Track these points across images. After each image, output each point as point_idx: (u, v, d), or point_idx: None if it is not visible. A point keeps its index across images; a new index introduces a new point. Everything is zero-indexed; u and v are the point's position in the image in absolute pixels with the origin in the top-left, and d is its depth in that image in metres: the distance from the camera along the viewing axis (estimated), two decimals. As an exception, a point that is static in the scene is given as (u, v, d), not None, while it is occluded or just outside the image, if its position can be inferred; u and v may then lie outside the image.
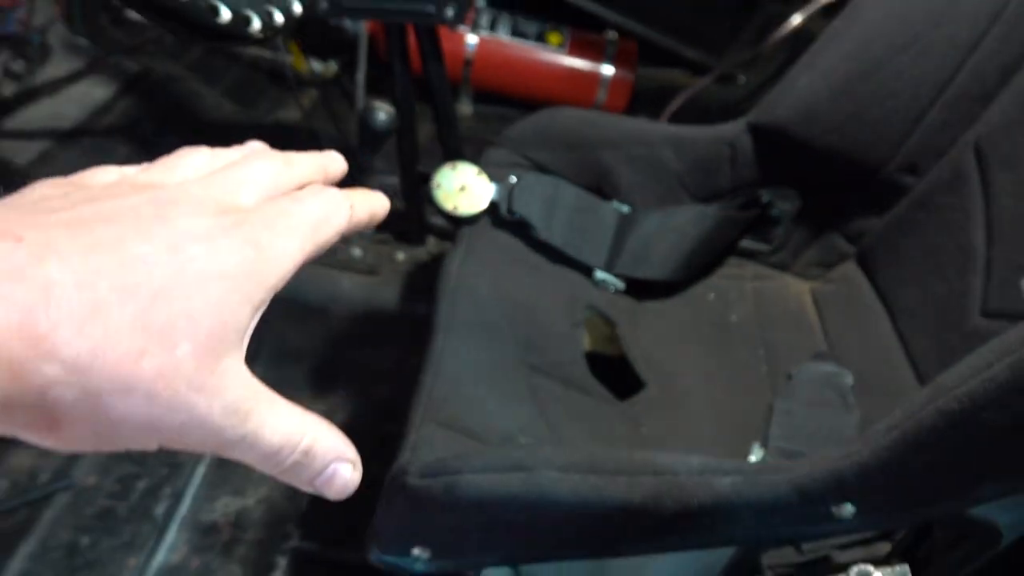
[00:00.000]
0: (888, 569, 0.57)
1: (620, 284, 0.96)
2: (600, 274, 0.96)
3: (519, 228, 0.95)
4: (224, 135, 1.48)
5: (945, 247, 0.83)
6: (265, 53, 1.80)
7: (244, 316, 0.24)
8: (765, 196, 1.00)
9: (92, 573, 1.03)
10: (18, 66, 1.23)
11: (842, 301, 0.97)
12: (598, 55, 1.84)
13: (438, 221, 1.37)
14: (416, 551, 0.59)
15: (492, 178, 0.94)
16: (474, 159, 0.98)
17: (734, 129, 0.96)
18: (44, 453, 1.14)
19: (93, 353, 0.20)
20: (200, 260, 0.23)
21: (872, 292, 0.94)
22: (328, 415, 0.29)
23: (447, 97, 1.22)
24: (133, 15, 1.47)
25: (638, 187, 1.00)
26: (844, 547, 0.60)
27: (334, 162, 0.34)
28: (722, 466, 0.56)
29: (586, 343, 0.91)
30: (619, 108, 1.86)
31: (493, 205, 0.94)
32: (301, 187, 0.30)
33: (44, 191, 0.25)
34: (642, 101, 1.93)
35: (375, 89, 1.85)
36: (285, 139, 1.41)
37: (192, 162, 0.29)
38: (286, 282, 0.26)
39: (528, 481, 0.55)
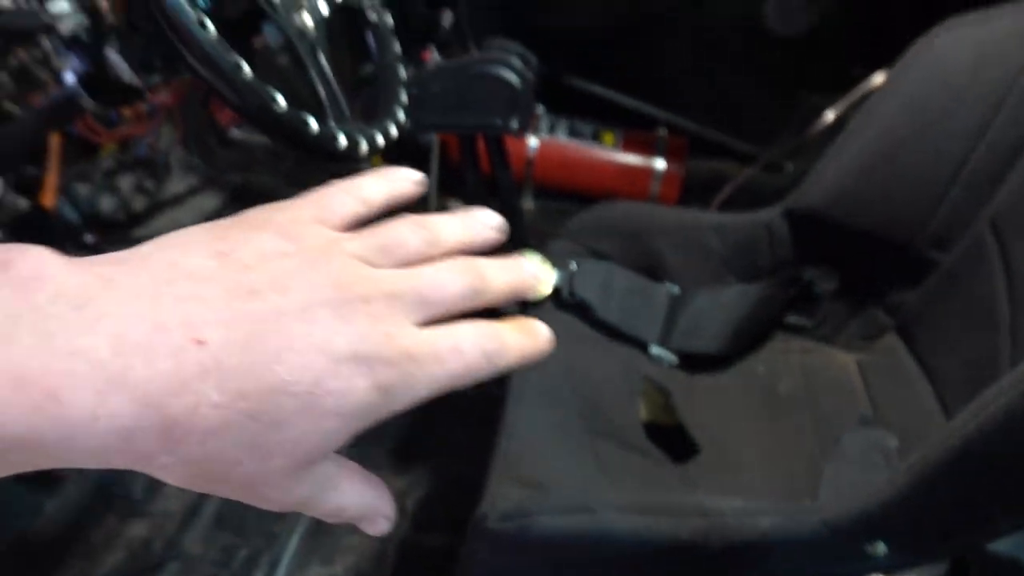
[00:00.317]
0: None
1: (673, 358, 1.06)
2: (655, 349, 1.06)
3: (580, 310, 1.06)
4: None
5: (974, 316, 0.90)
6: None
7: (342, 440, 0.25)
8: (805, 274, 1.09)
9: (200, 634, 1.13)
10: (149, 184, 1.44)
11: (885, 370, 1.04)
12: (650, 151, 1.98)
13: (507, 306, 1.49)
14: (496, 590, 0.68)
15: (555, 266, 1.07)
16: (537, 250, 1.10)
17: (771, 214, 1.06)
18: (158, 525, 1.26)
19: (203, 457, 0.22)
20: (329, 400, 0.23)
21: (912, 360, 1.00)
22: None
23: (513, 195, 1.36)
24: (236, 135, 1.70)
25: (686, 269, 1.11)
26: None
27: (528, 283, 0.34)
28: (763, 507, 0.64)
29: (643, 412, 1.00)
30: (671, 199, 1.98)
31: (556, 290, 1.06)
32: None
33: (198, 261, 0.25)
34: (694, 191, 2.05)
35: (446, 188, 2.02)
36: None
37: (378, 242, 0.29)
38: None
39: (592, 521, 0.64)
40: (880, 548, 0.60)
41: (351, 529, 0.29)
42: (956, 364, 0.93)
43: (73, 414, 0.20)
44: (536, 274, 0.33)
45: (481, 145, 1.31)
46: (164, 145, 1.53)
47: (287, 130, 0.65)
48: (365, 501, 0.28)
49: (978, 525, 0.58)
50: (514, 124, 1.10)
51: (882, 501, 0.59)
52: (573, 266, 1.07)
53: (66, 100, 0.76)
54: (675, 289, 1.10)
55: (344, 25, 0.83)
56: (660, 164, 1.97)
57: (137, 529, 1.26)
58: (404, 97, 0.82)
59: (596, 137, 1.99)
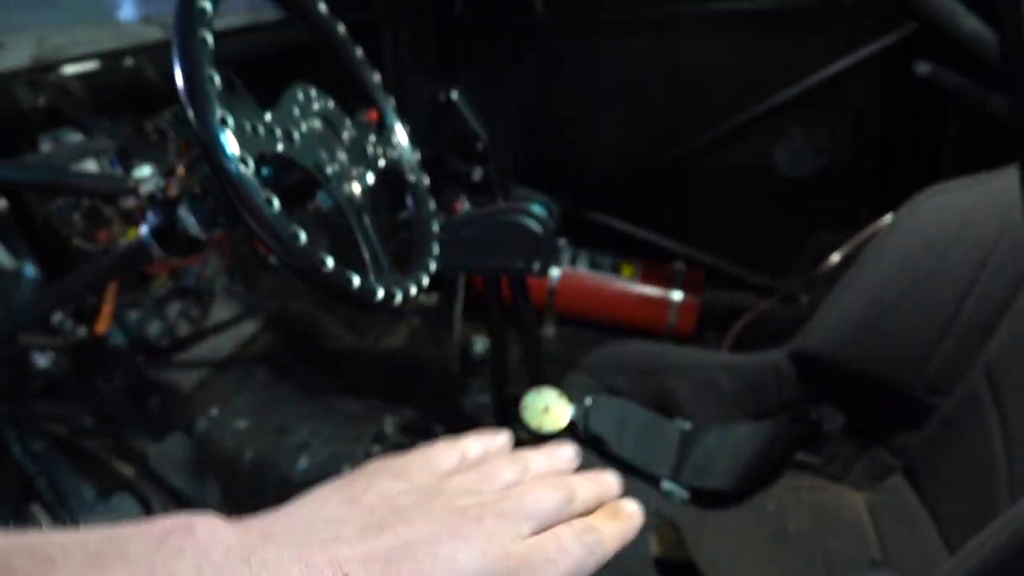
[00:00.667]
0: None
1: (685, 494, 1.09)
2: (667, 484, 1.10)
3: (595, 444, 1.11)
4: (343, 357, 1.75)
5: (973, 462, 0.94)
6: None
7: None
8: (813, 413, 1.13)
9: None
10: (195, 311, 1.55)
11: (893, 511, 1.06)
12: (667, 283, 2.07)
13: (524, 435, 1.54)
14: None
15: (571, 400, 1.13)
16: (556, 378, 1.16)
17: (777, 356, 1.12)
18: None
19: None
20: None
21: (918, 502, 1.03)
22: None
23: (533, 331, 1.44)
24: (275, 262, 1.81)
25: (698, 406, 1.16)
26: None
27: (610, 489, 0.37)
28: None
29: (654, 548, 1.03)
30: (688, 329, 2.05)
31: (572, 424, 1.11)
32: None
33: (332, 509, 0.30)
34: (711, 321, 2.12)
35: (470, 315, 2.11)
36: (392, 361, 1.67)
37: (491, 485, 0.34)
38: None
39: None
40: None
41: None
42: (959, 509, 0.96)
43: None
44: (616, 482, 0.38)
45: (505, 281, 1.40)
46: (210, 273, 1.64)
47: (332, 286, 0.72)
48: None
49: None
50: (536, 267, 1.19)
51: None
52: (588, 401, 1.13)
53: (139, 250, 0.85)
54: (687, 425, 1.15)
55: (385, 183, 0.94)
56: (677, 296, 2.05)
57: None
58: (436, 250, 0.91)
59: (616, 269, 2.09)
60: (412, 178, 0.95)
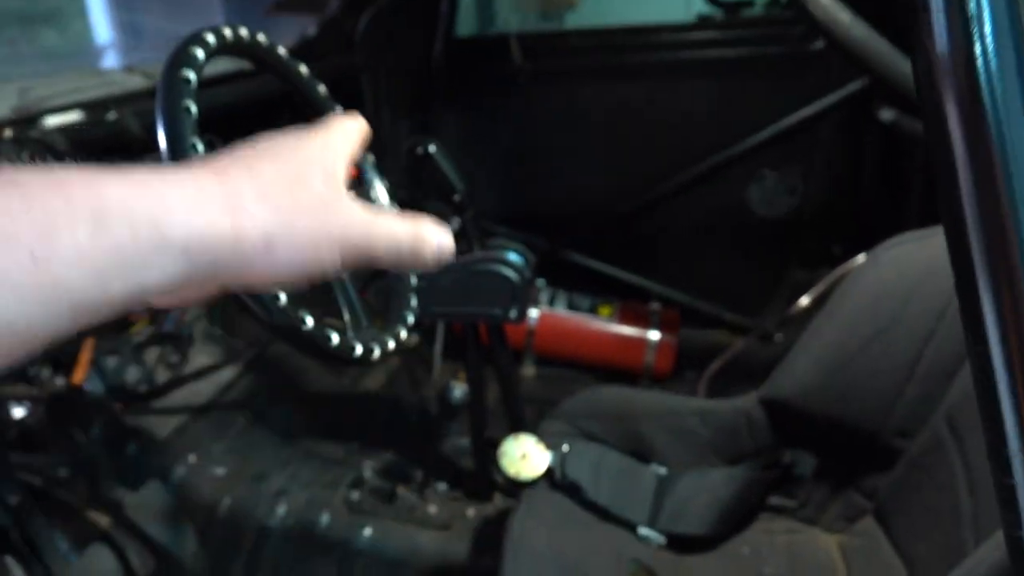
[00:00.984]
0: None
1: (661, 539, 1.10)
2: (643, 530, 1.11)
3: (572, 490, 1.12)
4: (322, 401, 1.75)
5: (940, 505, 0.96)
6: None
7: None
8: (786, 457, 1.15)
9: None
10: (174, 357, 1.55)
11: (865, 554, 1.08)
12: (644, 323, 2.10)
13: (503, 478, 1.55)
14: None
15: (548, 447, 1.14)
16: (536, 418, 1.18)
17: (748, 402, 1.15)
18: None
19: (276, 214, 0.35)
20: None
21: (889, 545, 1.05)
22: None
23: (511, 377, 1.46)
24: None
25: (673, 451, 1.18)
26: None
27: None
28: None
29: (632, 594, 1.04)
30: (666, 369, 2.07)
31: (549, 470, 1.12)
32: None
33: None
34: (688, 359, 2.14)
35: (449, 354, 2.12)
36: (371, 404, 1.67)
37: None
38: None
39: None
40: None
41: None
42: (928, 551, 0.98)
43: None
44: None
45: (483, 327, 1.42)
46: (189, 318, 1.65)
47: (311, 344, 0.74)
48: (416, 223, 0.41)
49: None
50: (513, 314, 1.21)
51: None
52: (565, 447, 1.14)
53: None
54: (662, 471, 1.17)
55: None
56: (654, 335, 2.08)
57: None
58: (414, 302, 0.93)
59: (593, 310, 2.11)
60: (390, 232, 0.96)
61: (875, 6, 1.23)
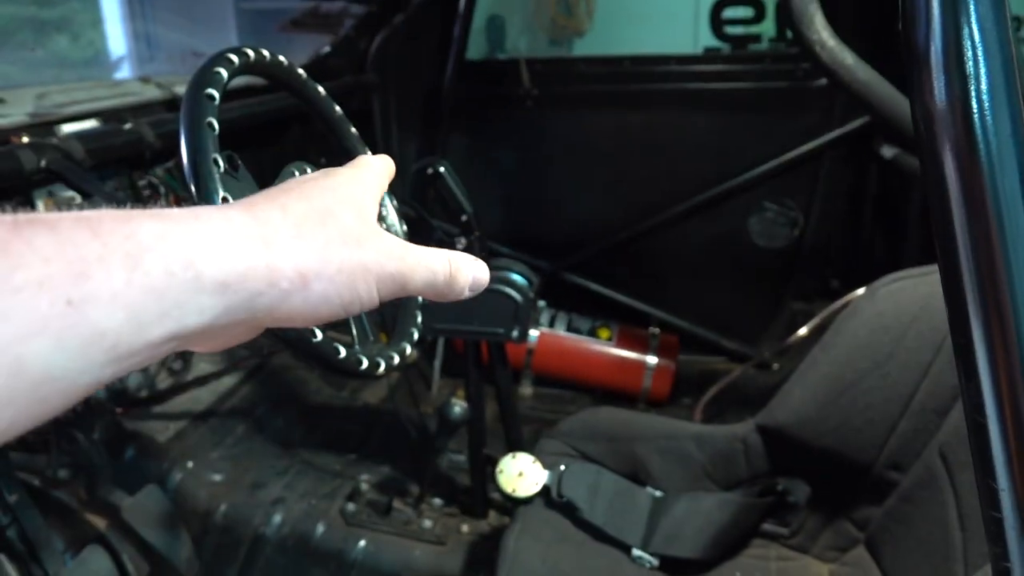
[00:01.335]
0: None
1: (654, 561, 1.11)
2: (637, 552, 1.12)
3: (567, 509, 1.13)
4: (321, 412, 1.76)
5: (931, 537, 0.97)
6: (359, 344, 2.14)
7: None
8: (780, 485, 1.17)
9: None
10: (176, 364, 1.56)
11: (856, 583, 1.09)
12: (643, 347, 2.11)
13: (498, 496, 1.56)
14: None
15: (545, 465, 1.15)
16: (533, 437, 1.19)
17: (745, 428, 1.16)
18: None
19: (311, 249, 0.35)
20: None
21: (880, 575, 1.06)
22: None
23: (510, 396, 1.47)
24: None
25: (668, 475, 1.19)
26: None
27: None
28: None
29: (624, 615, 1.05)
30: (663, 393, 2.09)
31: (546, 489, 1.14)
32: None
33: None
34: (685, 384, 2.16)
35: (448, 372, 2.14)
36: (370, 417, 1.69)
37: None
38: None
39: None
40: None
41: None
42: (918, 584, 0.99)
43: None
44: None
45: (484, 345, 1.44)
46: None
47: (318, 356, 0.76)
48: (449, 254, 0.41)
49: None
50: (515, 334, 1.23)
51: None
52: (562, 467, 1.16)
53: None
54: (657, 493, 1.18)
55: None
56: (652, 360, 2.09)
57: None
58: (420, 318, 0.95)
59: (593, 332, 2.13)
60: (399, 249, 0.98)
61: (878, 49, 1.27)
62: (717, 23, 2.15)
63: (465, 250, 1.38)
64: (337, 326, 0.83)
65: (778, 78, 2.01)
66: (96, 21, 2.39)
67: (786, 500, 1.17)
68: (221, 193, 0.67)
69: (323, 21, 2.06)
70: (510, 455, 1.16)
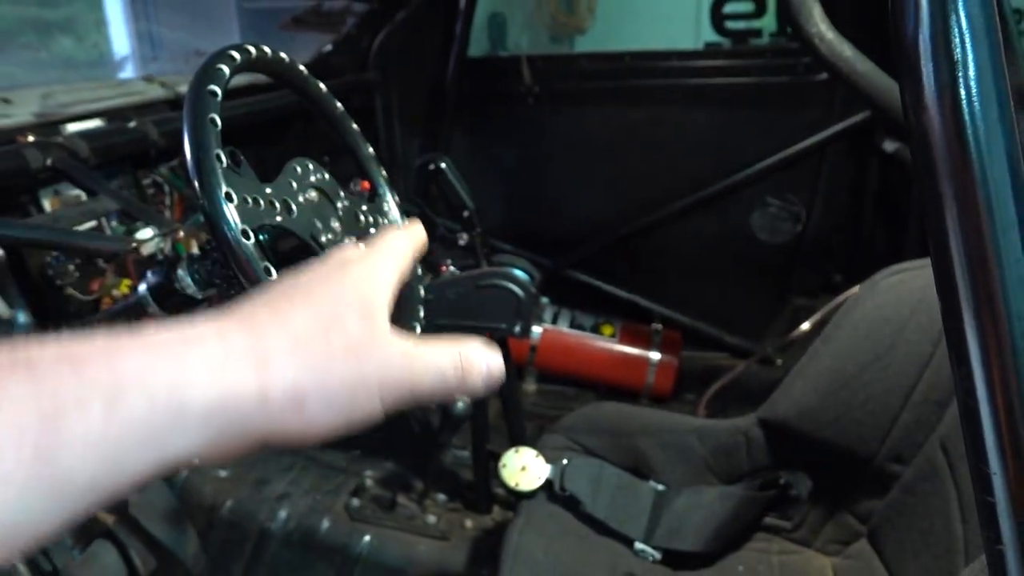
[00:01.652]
0: None
1: (657, 554, 1.12)
2: (639, 545, 1.12)
3: (570, 503, 1.14)
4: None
5: (932, 529, 0.98)
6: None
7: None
8: (783, 478, 1.17)
9: None
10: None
11: (859, 576, 1.09)
12: (646, 343, 2.12)
13: (502, 491, 1.57)
14: None
15: (548, 460, 1.16)
16: (536, 434, 1.19)
17: (747, 422, 1.17)
18: None
19: (308, 366, 0.33)
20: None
21: (883, 569, 1.07)
22: None
23: (514, 392, 1.48)
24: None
25: (670, 469, 1.20)
26: None
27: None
28: None
29: (627, 608, 1.05)
30: (666, 389, 2.09)
31: (548, 483, 1.14)
32: None
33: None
34: (688, 380, 2.16)
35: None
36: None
37: None
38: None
39: None
40: None
41: None
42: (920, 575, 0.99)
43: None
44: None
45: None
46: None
47: None
48: (458, 347, 0.38)
49: None
50: (517, 329, 1.24)
51: None
52: (565, 461, 1.16)
53: (136, 306, 0.89)
54: (660, 487, 1.19)
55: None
56: (655, 356, 2.10)
57: None
58: (422, 313, 0.96)
59: (596, 328, 2.14)
60: (401, 244, 0.99)
61: (876, 41, 1.27)
62: (718, 18, 2.15)
63: (467, 246, 1.39)
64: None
65: (779, 73, 2.01)
66: (100, 22, 2.40)
67: (788, 493, 1.18)
68: (224, 188, 0.68)
69: (325, 19, 2.07)
70: (513, 450, 1.17)
